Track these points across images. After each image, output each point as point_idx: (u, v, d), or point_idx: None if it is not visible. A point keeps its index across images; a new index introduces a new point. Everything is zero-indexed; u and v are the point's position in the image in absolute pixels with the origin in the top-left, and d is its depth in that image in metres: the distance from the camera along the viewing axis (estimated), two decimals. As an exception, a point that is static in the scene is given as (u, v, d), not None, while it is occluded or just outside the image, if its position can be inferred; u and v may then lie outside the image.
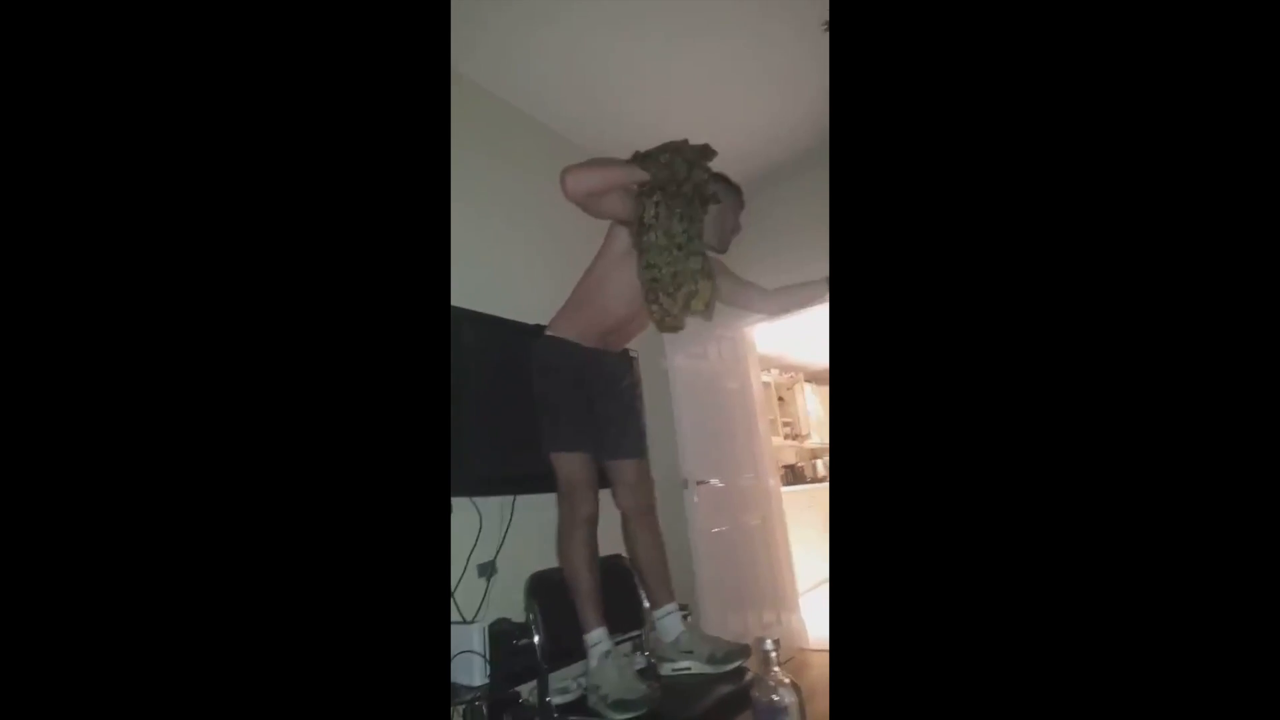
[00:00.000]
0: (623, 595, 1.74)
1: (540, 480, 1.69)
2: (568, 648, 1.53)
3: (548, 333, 1.67)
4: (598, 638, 1.48)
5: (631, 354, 2.01)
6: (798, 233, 2.82)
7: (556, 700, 1.49)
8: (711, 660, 1.53)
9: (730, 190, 1.68)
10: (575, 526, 1.56)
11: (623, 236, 1.57)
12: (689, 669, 1.55)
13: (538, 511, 1.84)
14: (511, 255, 2.20)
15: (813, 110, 2.59)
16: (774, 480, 3.25)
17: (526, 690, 1.52)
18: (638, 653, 1.68)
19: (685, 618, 1.66)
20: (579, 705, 1.46)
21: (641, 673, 1.53)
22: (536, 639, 1.53)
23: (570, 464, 1.58)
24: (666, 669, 1.57)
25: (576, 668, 1.54)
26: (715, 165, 1.60)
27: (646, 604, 1.74)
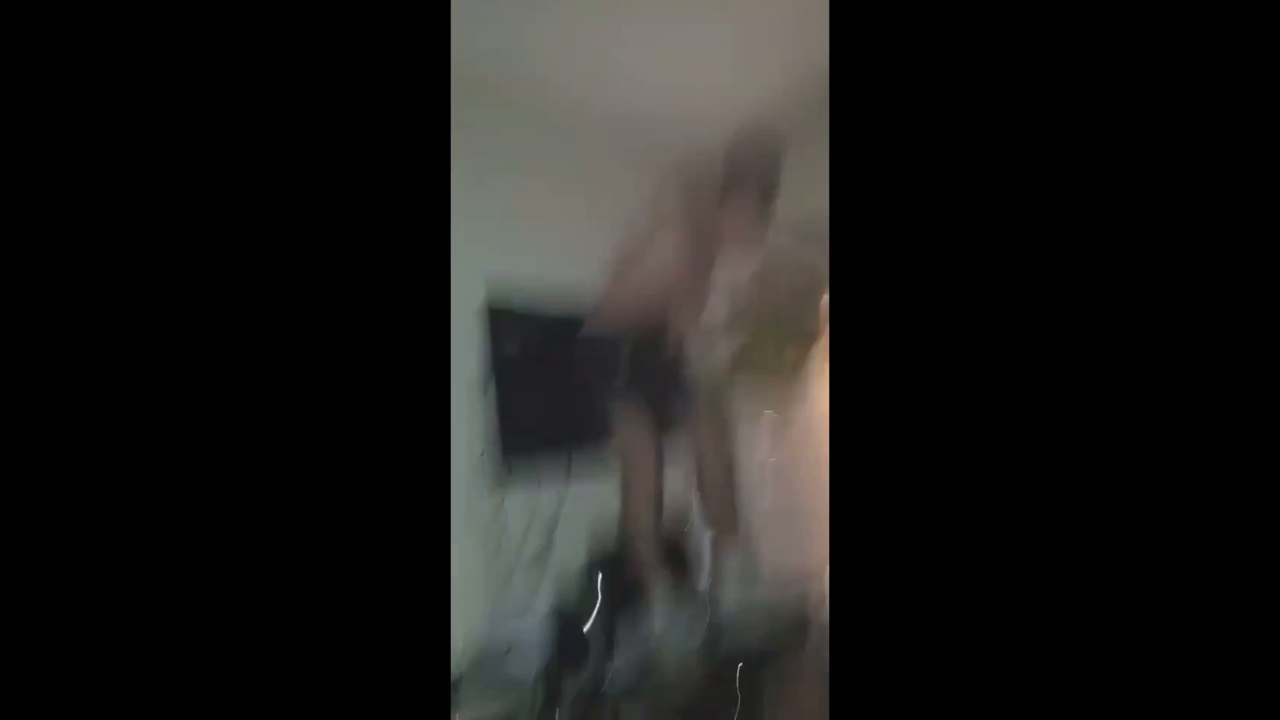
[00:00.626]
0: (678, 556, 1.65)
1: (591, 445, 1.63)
2: (623, 636, 1.46)
3: (587, 332, 1.64)
4: (658, 591, 1.41)
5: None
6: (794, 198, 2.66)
7: (614, 689, 1.41)
8: (774, 587, 1.48)
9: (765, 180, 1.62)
10: (636, 421, 1.51)
11: (672, 195, 1.55)
12: (753, 599, 1.47)
13: (589, 502, 1.78)
14: (531, 240, 2.15)
15: (811, 81, 2.47)
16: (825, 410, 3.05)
17: (582, 679, 1.43)
18: (695, 591, 1.58)
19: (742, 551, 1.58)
20: (637, 689, 1.38)
21: (700, 605, 1.45)
22: (589, 628, 1.46)
23: (625, 412, 1.53)
24: (727, 601, 1.48)
25: (631, 653, 1.46)
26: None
27: (707, 537, 1.65)
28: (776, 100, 2.63)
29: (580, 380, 1.62)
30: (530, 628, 1.44)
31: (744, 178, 1.56)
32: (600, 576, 1.54)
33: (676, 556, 1.56)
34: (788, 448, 2.69)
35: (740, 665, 1.14)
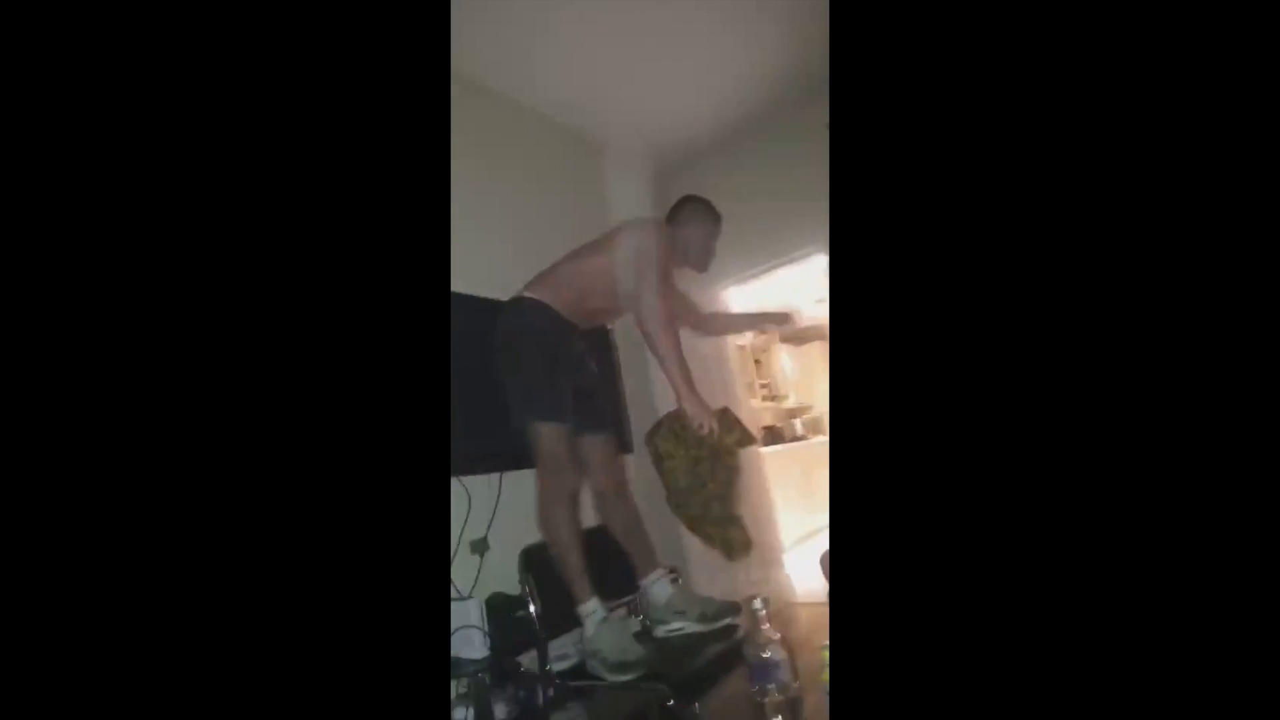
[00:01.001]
0: (616, 560, 1.75)
1: (525, 457, 1.71)
2: (564, 616, 1.56)
3: (526, 294, 1.66)
4: (591, 608, 1.51)
5: (608, 327, 2.03)
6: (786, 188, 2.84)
7: (557, 667, 1.54)
8: (703, 619, 1.58)
9: (709, 214, 1.80)
10: (558, 502, 1.55)
11: (630, 244, 1.64)
12: (682, 629, 1.60)
13: (524, 486, 1.86)
14: (497, 231, 2.19)
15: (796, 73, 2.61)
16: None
17: (527, 659, 1.57)
18: (633, 616, 1.73)
19: (675, 580, 1.71)
20: (579, 670, 1.51)
21: (637, 635, 1.58)
22: (533, 610, 1.56)
23: (549, 436, 1.56)
24: (660, 630, 1.62)
25: (575, 634, 1.58)
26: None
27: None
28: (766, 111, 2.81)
29: (505, 341, 1.63)
30: (473, 611, 1.57)
31: (695, 207, 1.79)
32: (532, 567, 1.62)
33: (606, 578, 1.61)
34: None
35: (670, 702, 1.25)
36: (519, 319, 1.63)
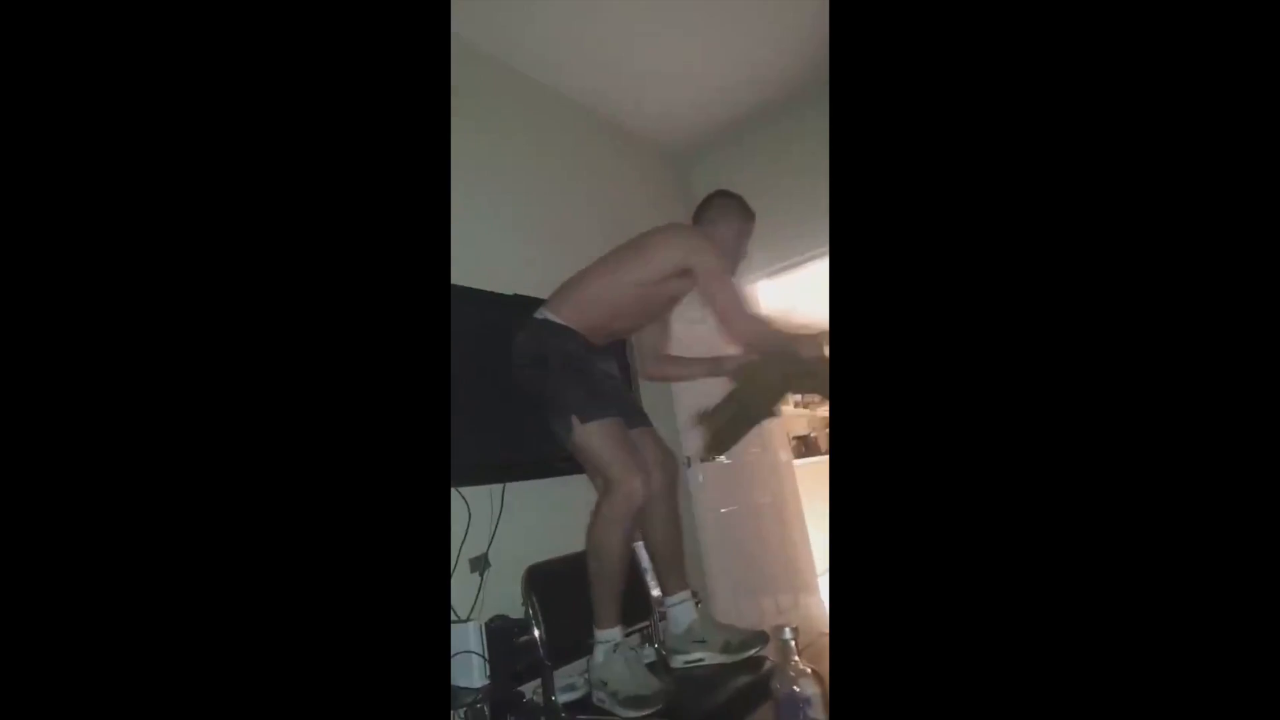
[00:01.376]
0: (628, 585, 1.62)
1: (530, 467, 1.60)
2: (571, 643, 1.43)
3: (553, 319, 1.53)
4: (612, 635, 1.37)
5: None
6: (794, 172, 2.70)
7: (563, 698, 1.40)
8: (726, 649, 1.44)
9: (741, 212, 1.67)
10: (621, 517, 1.37)
11: (675, 257, 1.53)
12: (702, 660, 1.46)
13: (527, 499, 1.74)
14: (496, 225, 2.08)
15: (809, 52, 2.49)
16: (785, 453, 3.13)
17: (530, 689, 1.43)
18: (646, 645, 1.58)
19: (696, 605, 1.56)
20: (586, 703, 1.37)
21: (651, 666, 1.43)
22: (537, 635, 1.42)
23: (604, 434, 1.40)
24: (678, 661, 1.48)
25: (583, 663, 1.45)
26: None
27: (656, 592, 1.64)
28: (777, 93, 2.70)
29: (522, 370, 1.52)
30: (472, 635, 1.44)
31: (726, 204, 1.65)
32: (537, 588, 1.49)
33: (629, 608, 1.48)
34: (742, 495, 2.68)
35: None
36: (543, 342, 1.50)
